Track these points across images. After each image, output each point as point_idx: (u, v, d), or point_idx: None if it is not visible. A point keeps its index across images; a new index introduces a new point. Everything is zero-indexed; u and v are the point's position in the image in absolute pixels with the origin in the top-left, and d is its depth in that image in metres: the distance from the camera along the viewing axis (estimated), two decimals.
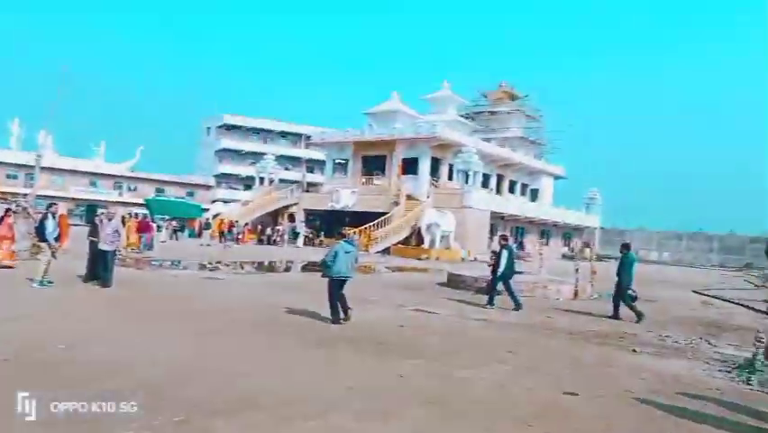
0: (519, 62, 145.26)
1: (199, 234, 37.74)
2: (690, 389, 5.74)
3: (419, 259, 29.91)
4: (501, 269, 11.65)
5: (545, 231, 48.03)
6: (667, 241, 58.52)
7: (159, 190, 58.39)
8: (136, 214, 34.90)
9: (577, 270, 14.91)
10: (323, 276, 8.55)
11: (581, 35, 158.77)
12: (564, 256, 46.75)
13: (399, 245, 32.83)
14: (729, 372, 6.66)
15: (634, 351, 7.72)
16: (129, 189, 58.40)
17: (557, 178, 56.00)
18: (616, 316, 11.27)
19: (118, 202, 50.03)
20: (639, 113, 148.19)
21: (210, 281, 13.25)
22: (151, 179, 59.84)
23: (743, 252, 55.27)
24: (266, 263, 21.87)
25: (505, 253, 11.73)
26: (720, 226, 59.50)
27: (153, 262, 17.83)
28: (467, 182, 36.75)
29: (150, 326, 7.21)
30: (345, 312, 8.46)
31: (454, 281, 15.97)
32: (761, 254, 54.96)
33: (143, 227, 23.30)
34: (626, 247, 11.88)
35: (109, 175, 57.58)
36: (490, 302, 11.76)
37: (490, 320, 10.05)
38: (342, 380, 5.25)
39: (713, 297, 18.22)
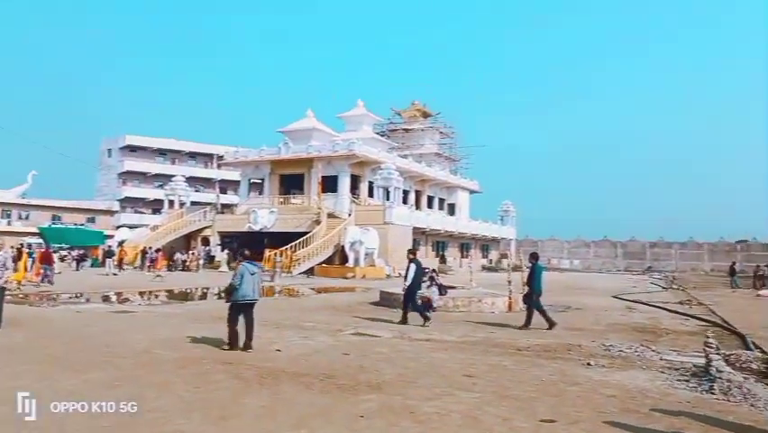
0: (429, 80, 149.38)
1: (102, 263, 34.69)
2: (661, 404, 5.49)
3: (345, 278, 29.18)
4: (408, 282, 11.75)
5: (465, 244, 48.91)
6: (577, 249, 61.61)
7: (55, 217, 53.70)
8: (29, 244, 31.60)
9: (509, 282, 14.86)
10: (226, 301, 8.25)
11: (485, 52, 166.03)
12: (484, 268, 47.82)
13: (323, 265, 31.97)
14: (688, 381, 6.53)
15: (588, 364, 7.49)
16: (20, 217, 53.21)
17: (472, 192, 57.47)
18: (527, 324, 11.35)
19: (7, 232, 45.36)
20: (544, 129, 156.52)
21: (121, 316, 11.84)
22: (46, 206, 54.91)
23: (644, 256, 59.22)
24: (181, 292, 20.29)
25: (413, 267, 11.82)
26: (622, 233, 63.61)
27: (52, 297, 15.89)
28: (388, 199, 36.61)
29: (53, 378, 6.03)
30: (248, 342, 7.94)
31: (387, 300, 15.44)
32: (659, 258, 59.27)
33: (46, 258, 20.95)
34: (534, 257, 12.29)
35: None
36: (426, 319, 11.53)
37: (434, 340, 9.58)
38: (296, 428, 4.50)
39: (634, 301, 18.93)
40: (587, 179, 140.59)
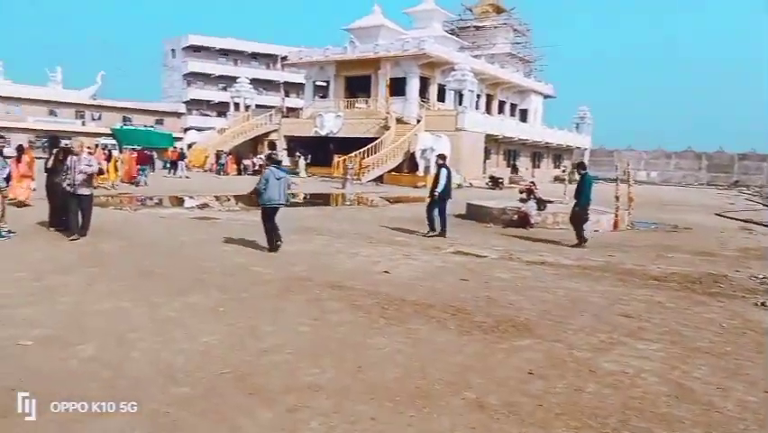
0: None
1: (174, 166, 34.99)
2: None
3: (416, 187, 28.11)
4: (440, 189, 10.63)
5: (537, 153, 46.48)
6: (656, 160, 57.62)
7: (125, 119, 54.47)
8: (105, 145, 32.00)
9: (617, 197, 13.35)
10: (257, 204, 8.48)
11: None
12: (557, 179, 45.53)
13: (393, 173, 30.92)
14: None
15: (763, 305, 6.21)
16: (93, 119, 54.33)
17: (546, 97, 53.76)
18: (580, 243, 10.31)
19: (82, 132, 46.52)
20: (623, 32, 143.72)
21: (205, 224, 11.30)
22: (117, 107, 55.63)
23: (731, 169, 54.85)
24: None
25: (444, 173, 10.74)
26: (708, 145, 58.80)
27: (137, 201, 15.73)
28: (460, 103, 34.48)
29: (151, 299, 5.36)
30: (276, 243, 8.15)
31: (476, 214, 14.29)
32: (749, 172, 54.75)
33: (144, 159, 21.62)
34: (581, 167, 11.00)
35: (70, 103, 53.22)
36: (432, 230, 10.74)
37: (550, 263, 8.47)
38: (456, 387, 3.57)
39: (745, 221, 17.02)
40: (669, 85, 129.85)
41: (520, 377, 3.78)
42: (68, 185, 8.23)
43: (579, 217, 10.48)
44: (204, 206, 15.28)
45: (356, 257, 8.05)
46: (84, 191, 8.39)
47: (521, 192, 13.42)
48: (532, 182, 13.79)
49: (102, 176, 19.02)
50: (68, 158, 8.38)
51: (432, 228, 10.87)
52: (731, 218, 18.27)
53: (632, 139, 64.76)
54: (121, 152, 27.98)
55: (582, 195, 10.43)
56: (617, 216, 13.21)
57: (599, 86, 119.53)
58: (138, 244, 8.33)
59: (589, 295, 6.30)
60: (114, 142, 43.61)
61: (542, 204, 13.01)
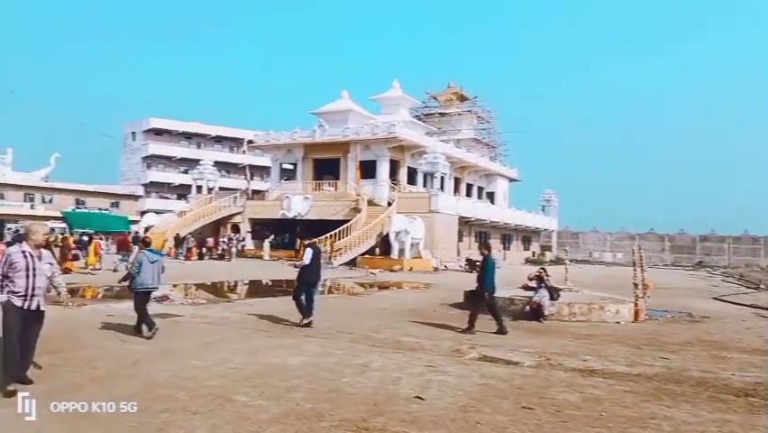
0: (465, 62, 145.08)
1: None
2: None
3: (391, 270, 26.53)
4: (302, 263, 9.63)
5: (507, 235, 45.91)
6: (620, 242, 58.06)
7: (79, 202, 51.70)
8: (53, 229, 29.51)
9: (636, 284, 12.05)
10: (128, 288, 8.32)
11: (522, 36, 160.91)
12: (528, 261, 44.77)
13: (367, 256, 29.31)
14: None
15: None
16: (43, 202, 51.36)
17: (512, 180, 54.33)
18: (470, 328, 9.49)
19: (30, 216, 43.55)
20: (586, 117, 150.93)
21: (166, 324, 9.21)
22: (70, 190, 52.86)
23: (693, 250, 55.60)
24: (225, 287, 17.80)
25: (309, 252, 9.61)
26: (669, 226, 59.89)
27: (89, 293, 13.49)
28: (431, 186, 33.81)
29: None
30: (138, 326, 7.93)
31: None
32: (711, 253, 55.61)
33: (124, 245, 20.91)
34: (486, 248, 10.27)
35: (19, 186, 50.33)
36: (306, 317, 9.37)
37: (601, 371, 6.86)
38: None
39: (751, 306, 15.97)
40: (631, 170, 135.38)
41: None
42: (22, 297, 4.96)
43: (484, 301, 9.77)
44: (163, 298, 13.12)
45: (367, 372, 6.22)
46: (43, 305, 5.20)
47: (530, 279, 11.98)
48: (542, 268, 12.37)
49: (77, 261, 17.94)
50: (17, 253, 5.03)
51: (303, 316, 9.41)
52: (732, 303, 17.28)
53: (596, 221, 65.53)
54: (71, 235, 25.57)
55: (486, 278, 9.73)
56: (636, 305, 11.83)
57: (563, 169, 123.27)
58: (74, 361, 6.28)
59: (699, 428, 4.65)
60: (64, 225, 40.95)
61: (555, 292, 11.55)
